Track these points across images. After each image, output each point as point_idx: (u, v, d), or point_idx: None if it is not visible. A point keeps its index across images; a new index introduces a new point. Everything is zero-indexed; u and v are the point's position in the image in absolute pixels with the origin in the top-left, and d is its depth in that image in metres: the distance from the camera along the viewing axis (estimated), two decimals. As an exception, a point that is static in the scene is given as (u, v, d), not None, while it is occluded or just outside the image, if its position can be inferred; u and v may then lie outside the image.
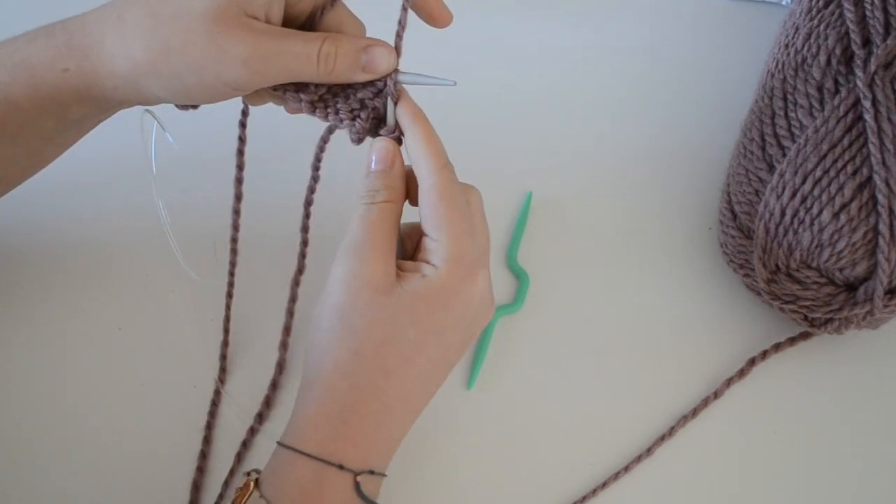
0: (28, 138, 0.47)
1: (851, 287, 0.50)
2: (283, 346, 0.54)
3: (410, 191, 0.46)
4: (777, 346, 0.54)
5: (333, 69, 0.44)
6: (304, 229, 0.52)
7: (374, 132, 0.46)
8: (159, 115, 0.50)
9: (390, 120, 0.45)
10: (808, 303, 0.51)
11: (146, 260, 0.57)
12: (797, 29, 0.57)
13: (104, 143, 0.53)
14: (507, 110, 0.65)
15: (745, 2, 0.71)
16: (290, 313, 0.54)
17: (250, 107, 0.50)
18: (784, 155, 0.52)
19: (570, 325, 0.56)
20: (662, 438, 0.52)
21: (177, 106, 0.47)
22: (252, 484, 0.42)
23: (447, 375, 0.45)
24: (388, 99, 0.45)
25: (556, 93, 0.66)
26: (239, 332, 0.55)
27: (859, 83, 0.51)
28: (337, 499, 0.41)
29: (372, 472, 0.42)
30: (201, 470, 0.51)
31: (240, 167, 0.51)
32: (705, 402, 0.53)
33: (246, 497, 0.41)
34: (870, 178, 0.49)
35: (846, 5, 0.54)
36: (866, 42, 0.53)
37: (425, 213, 0.43)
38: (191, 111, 0.48)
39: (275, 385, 0.53)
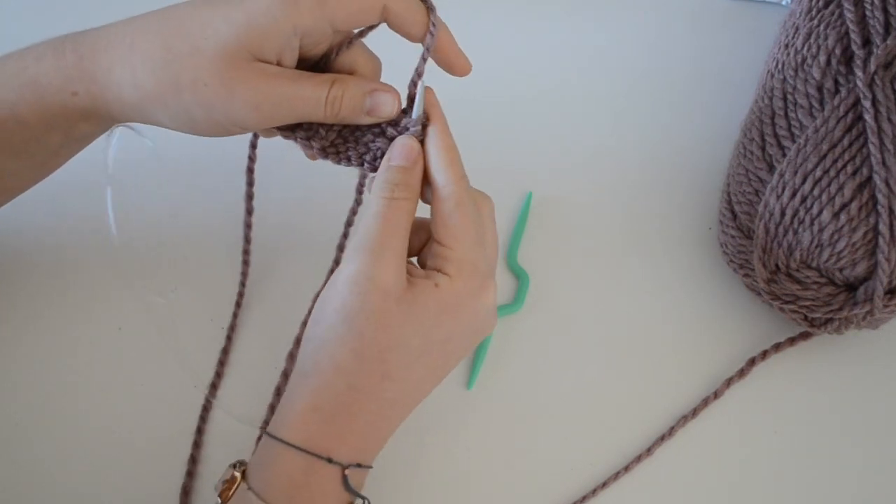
0: (33, 152, 0.48)
1: (851, 287, 0.50)
2: (291, 356, 0.53)
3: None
4: (777, 346, 0.54)
5: (339, 112, 0.44)
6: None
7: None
8: None
9: (416, 116, 0.45)
10: (808, 303, 0.51)
11: (146, 260, 0.57)
12: (797, 29, 0.57)
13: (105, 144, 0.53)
14: (507, 110, 0.65)
15: (745, 2, 0.71)
16: (305, 324, 0.53)
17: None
18: (784, 155, 0.52)
19: (570, 325, 0.56)
20: (662, 438, 0.52)
21: None
22: (239, 476, 0.42)
23: (445, 378, 0.45)
24: (417, 96, 0.45)
25: (556, 93, 0.66)
26: (240, 339, 0.55)
27: (859, 83, 0.51)
28: (324, 490, 0.42)
29: (359, 466, 0.42)
30: (191, 474, 0.51)
31: (250, 184, 0.53)
32: (705, 402, 0.53)
33: (233, 489, 0.41)
34: (870, 178, 0.49)
35: (846, 5, 0.54)
36: (866, 42, 0.53)
37: (439, 220, 0.43)
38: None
39: (279, 392, 0.53)
